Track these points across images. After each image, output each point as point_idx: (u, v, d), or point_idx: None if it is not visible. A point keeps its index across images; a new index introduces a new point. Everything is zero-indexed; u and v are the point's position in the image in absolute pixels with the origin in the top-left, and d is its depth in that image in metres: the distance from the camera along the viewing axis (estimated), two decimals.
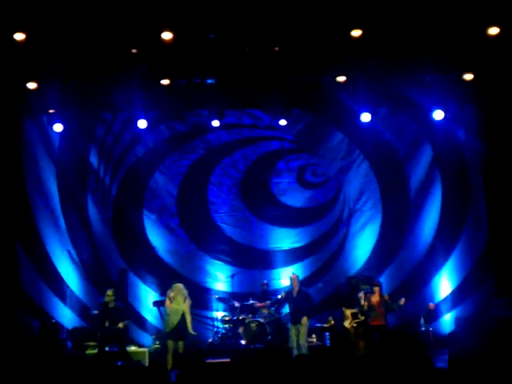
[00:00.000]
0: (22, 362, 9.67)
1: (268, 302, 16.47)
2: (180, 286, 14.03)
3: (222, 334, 16.43)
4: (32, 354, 13.73)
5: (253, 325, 15.96)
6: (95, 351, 14.66)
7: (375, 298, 14.71)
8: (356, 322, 15.38)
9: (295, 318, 14.79)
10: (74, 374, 8.24)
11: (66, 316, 16.60)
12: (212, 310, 17.15)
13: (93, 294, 16.85)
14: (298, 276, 15.17)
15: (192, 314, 16.44)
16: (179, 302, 13.76)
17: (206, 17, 12.92)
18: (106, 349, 14.43)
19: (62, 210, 16.98)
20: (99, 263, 17.12)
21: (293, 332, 14.78)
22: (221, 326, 16.61)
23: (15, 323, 15.71)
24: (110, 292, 14.55)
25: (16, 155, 16.63)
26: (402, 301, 14.80)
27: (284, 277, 17.15)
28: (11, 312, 15.84)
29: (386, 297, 14.91)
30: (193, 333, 14.14)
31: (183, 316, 13.78)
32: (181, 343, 13.80)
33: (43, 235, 16.79)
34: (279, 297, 15.80)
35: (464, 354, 13.31)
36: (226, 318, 16.45)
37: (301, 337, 14.69)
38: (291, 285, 14.96)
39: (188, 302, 13.92)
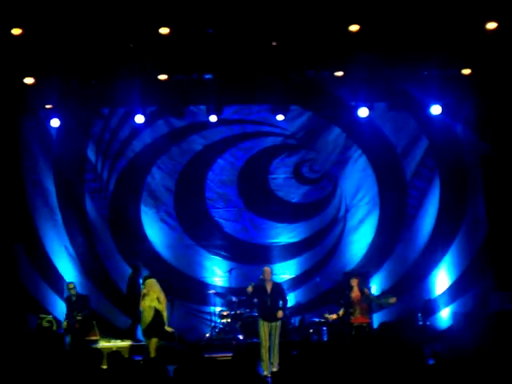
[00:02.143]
0: (21, 357, 9.70)
1: None
2: (153, 281, 13.73)
3: (220, 328, 16.43)
4: (30, 349, 13.74)
5: (250, 319, 15.97)
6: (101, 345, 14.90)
7: (354, 293, 13.98)
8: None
9: (271, 315, 13.86)
10: (73, 369, 8.25)
11: (64, 311, 16.57)
12: (209, 305, 17.14)
13: (90, 289, 16.87)
14: (271, 269, 14.48)
15: (188, 308, 16.61)
16: (152, 299, 13.44)
17: (203, 12, 12.93)
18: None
19: (59, 206, 16.96)
20: (96, 258, 17.12)
21: (265, 330, 13.86)
22: (218, 320, 16.60)
23: (14, 319, 15.71)
24: (71, 285, 15.56)
25: (14, 151, 16.62)
26: (393, 299, 14.31)
27: (281, 272, 17.21)
28: (10, 308, 15.83)
29: (366, 290, 14.22)
30: (169, 329, 13.94)
31: (156, 313, 13.40)
32: (154, 340, 13.47)
33: (41, 231, 16.80)
34: (248, 290, 14.27)
35: (461, 348, 13.36)
36: (224, 313, 16.43)
37: (275, 338, 13.82)
38: (263, 278, 14.05)
39: (162, 298, 13.56)
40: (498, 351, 8.21)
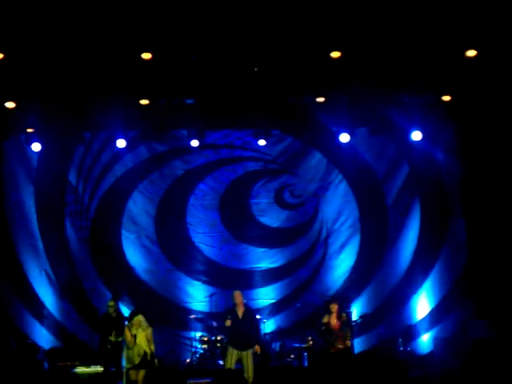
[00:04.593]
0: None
1: None
2: (140, 318, 12.75)
3: (200, 354, 16.33)
4: (9, 374, 13.65)
5: None
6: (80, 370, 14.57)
7: (333, 321, 13.34)
8: None
9: (240, 343, 13.09)
10: None
11: (43, 336, 16.48)
12: (190, 330, 17.05)
13: (70, 314, 16.81)
14: (242, 293, 13.67)
15: (169, 333, 16.52)
16: (141, 337, 12.61)
17: (185, 37, 12.97)
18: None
19: (39, 230, 16.89)
20: (77, 283, 17.00)
21: (233, 358, 13.08)
22: (199, 346, 16.52)
23: None
24: (111, 303, 14.78)
25: None
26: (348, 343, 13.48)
27: (263, 297, 17.20)
28: None
29: (344, 316, 13.60)
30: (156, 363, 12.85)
31: (145, 354, 12.60)
32: (142, 372, 12.57)
33: (20, 255, 16.71)
34: (225, 325, 13.32)
35: (441, 373, 13.39)
36: (204, 339, 16.36)
37: (248, 368, 12.96)
38: (234, 303, 13.40)
39: (150, 329, 12.73)
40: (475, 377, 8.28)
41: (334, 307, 13.49)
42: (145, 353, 12.67)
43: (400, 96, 15.56)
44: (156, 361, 12.87)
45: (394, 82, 14.68)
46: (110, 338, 14.41)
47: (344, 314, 13.82)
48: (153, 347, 12.87)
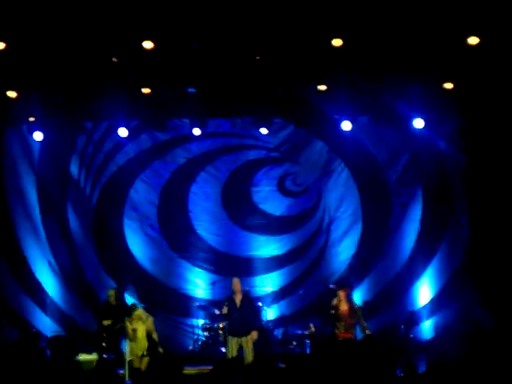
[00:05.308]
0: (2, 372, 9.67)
1: None
2: (139, 311, 13.09)
3: (203, 341, 16.41)
4: (11, 363, 13.65)
5: None
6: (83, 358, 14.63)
7: (342, 307, 13.64)
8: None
9: (239, 331, 13.35)
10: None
11: (46, 325, 16.56)
12: (192, 318, 17.13)
13: (73, 302, 16.92)
14: (239, 279, 13.99)
15: (171, 320, 16.59)
16: (142, 330, 12.90)
17: (187, 26, 12.95)
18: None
19: (42, 220, 16.97)
20: (80, 272, 17.09)
21: (233, 346, 13.34)
22: (201, 333, 16.60)
23: None
24: (111, 291, 15.11)
25: None
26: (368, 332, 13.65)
27: (265, 284, 17.25)
28: None
29: (355, 306, 13.88)
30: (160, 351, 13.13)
31: (149, 339, 12.90)
32: (146, 359, 12.81)
33: (23, 245, 16.80)
34: (222, 312, 13.89)
35: (443, 360, 13.39)
36: (207, 326, 16.44)
37: (248, 354, 13.20)
38: (232, 290, 13.69)
39: (150, 320, 13.03)
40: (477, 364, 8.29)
41: (342, 294, 13.71)
42: (146, 346, 12.79)
43: (402, 84, 15.50)
44: (160, 349, 12.95)
45: (396, 69, 14.63)
46: (104, 324, 14.50)
47: (355, 305, 14.00)
48: (155, 335, 12.97)
